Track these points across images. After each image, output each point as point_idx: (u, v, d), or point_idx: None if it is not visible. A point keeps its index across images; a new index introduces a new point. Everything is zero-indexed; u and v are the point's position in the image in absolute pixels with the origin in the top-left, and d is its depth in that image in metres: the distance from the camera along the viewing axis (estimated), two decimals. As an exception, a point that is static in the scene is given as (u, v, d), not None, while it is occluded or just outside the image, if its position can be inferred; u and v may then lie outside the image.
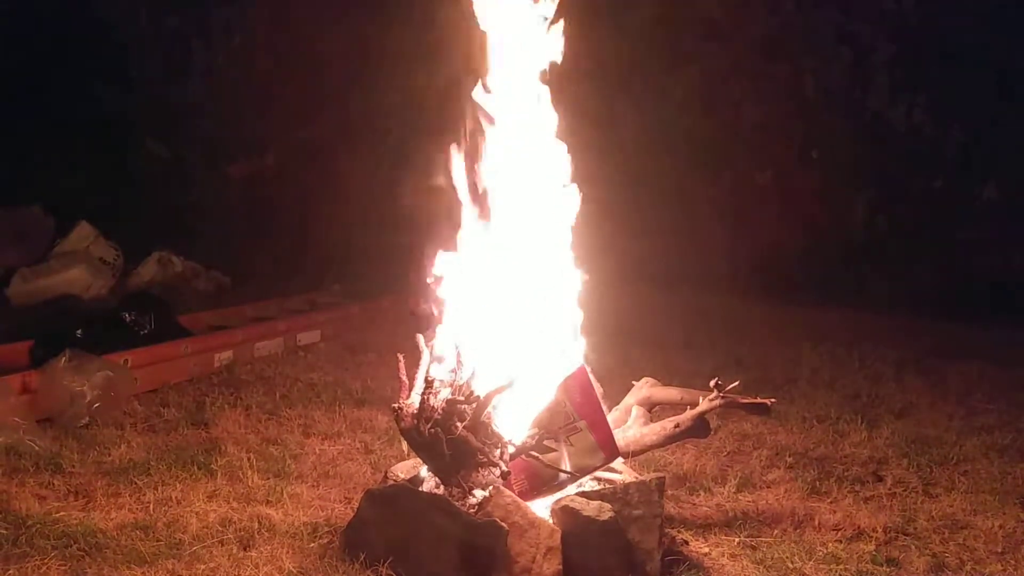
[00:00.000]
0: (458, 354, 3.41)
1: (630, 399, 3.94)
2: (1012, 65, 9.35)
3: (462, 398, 3.29)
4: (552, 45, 3.63)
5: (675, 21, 10.01)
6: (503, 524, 3.09)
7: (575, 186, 3.65)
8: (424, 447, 3.34)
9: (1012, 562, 3.57)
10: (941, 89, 9.74)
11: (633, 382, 4.02)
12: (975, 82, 9.53)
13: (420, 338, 3.47)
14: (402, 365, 3.47)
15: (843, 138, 10.04)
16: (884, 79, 10.04)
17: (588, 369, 3.51)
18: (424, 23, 8.30)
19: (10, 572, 3.06)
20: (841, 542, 3.66)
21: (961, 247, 9.70)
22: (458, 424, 3.27)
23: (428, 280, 3.55)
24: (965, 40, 9.42)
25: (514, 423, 3.38)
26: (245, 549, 3.34)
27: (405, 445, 3.61)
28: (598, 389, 3.56)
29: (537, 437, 3.36)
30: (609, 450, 3.43)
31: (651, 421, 3.82)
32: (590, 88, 9.08)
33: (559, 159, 3.65)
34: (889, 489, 4.28)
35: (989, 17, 9.30)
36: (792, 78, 10.18)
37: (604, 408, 3.54)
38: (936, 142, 9.97)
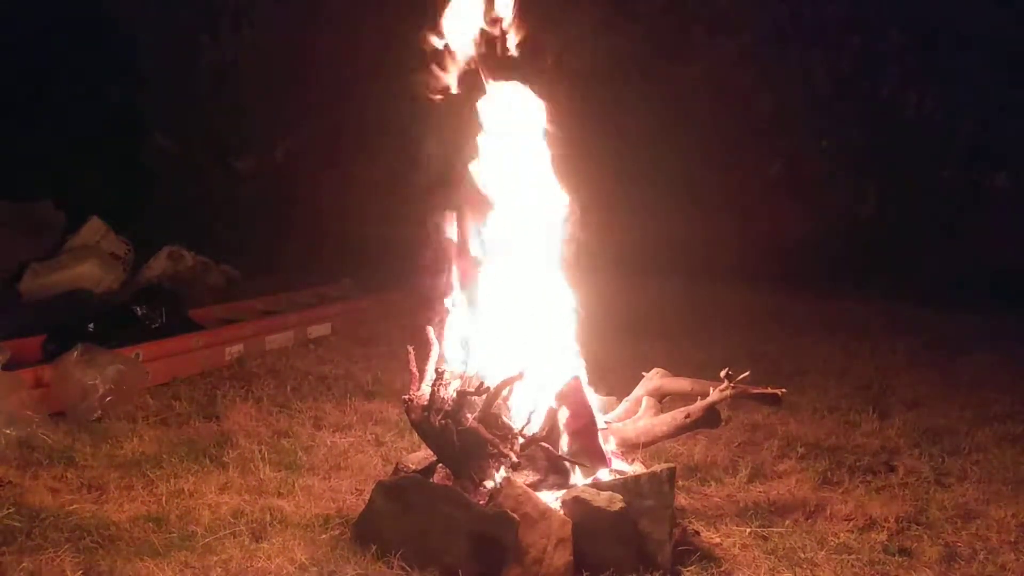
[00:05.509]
0: (468, 346, 3.42)
1: (640, 390, 3.93)
2: (1023, 54, 9.29)
3: (472, 389, 3.29)
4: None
5: (684, 11, 9.99)
6: (514, 515, 3.09)
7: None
8: (434, 438, 3.35)
9: (1025, 551, 3.56)
10: (951, 78, 9.68)
11: (643, 373, 4.01)
12: (986, 71, 9.48)
13: (430, 330, 3.48)
14: (412, 357, 3.47)
15: (853, 128, 10.01)
16: (894, 68, 9.99)
17: (582, 381, 3.52)
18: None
19: (24, 564, 3.08)
20: (853, 532, 3.66)
21: (972, 236, 9.66)
22: (468, 415, 3.28)
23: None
24: (975, 28, 9.36)
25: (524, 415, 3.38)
26: (257, 541, 3.36)
27: (416, 436, 3.62)
28: (595, 401, 3.59)
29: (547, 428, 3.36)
30: (595, 461, 3.45)
31: (662, 412, 3.82)
32: (599, 79, 9.07)
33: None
34: (901, 479, 4.27)
35: (1000, 5, 9.25)
36: (801, 68, 10.14)
37: (597, 420, 3.56)
38: (946, 131, 9.93)
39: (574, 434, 3.42)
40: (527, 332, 3.53)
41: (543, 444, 3.32)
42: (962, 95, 9.76)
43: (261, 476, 3.96)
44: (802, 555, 3.42)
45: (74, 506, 3.56)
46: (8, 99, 9.56)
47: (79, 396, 4.64)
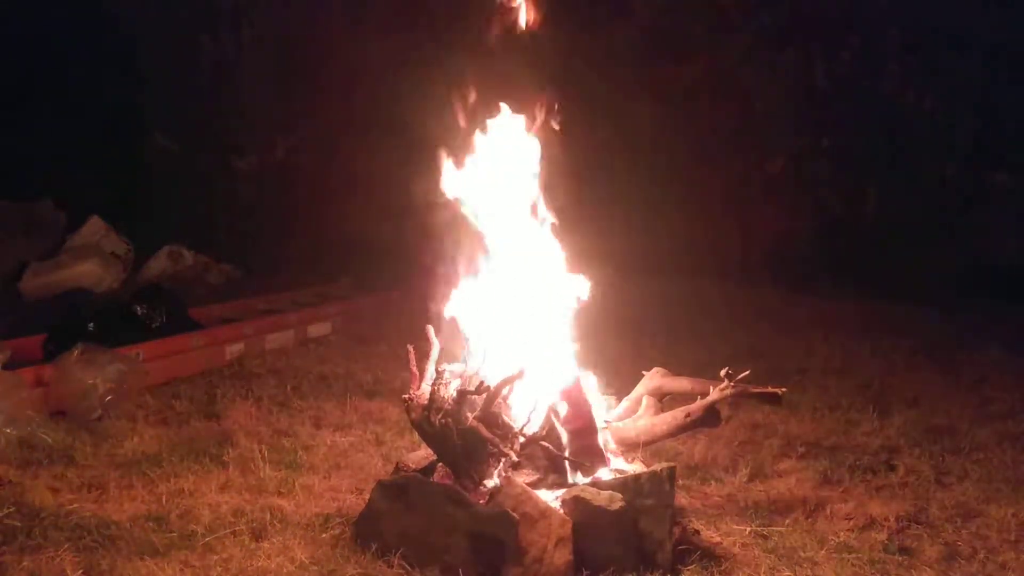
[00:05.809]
0: (468, 344, 3.42)
1: (641, 389, 3.93)
2: (1023, 54, 9.28)
3: (472, 388, 3.29)
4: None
5: (684, 10, 9.99)
6: (514, 514, 3.09)
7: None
8: (435, 438, 3.35)
9: (1025, 550, 3.56)
10: (952, 75, 9.68)
11: (644, 372, 4.01)
12: (986, 68, 9.47)
13: (430, 329, 3.48)
14: (412, 356, 3.47)
15: (853, 126, 10.00)
16: (894, 66, 9.98)
17: (582, 381, 3.52)
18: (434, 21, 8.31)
19: (24, 563, 3.08)
20: (853, 531, 3.66)
21: (973, 234, 9.65)
22: (468, 414, 3.28)
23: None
24: (976, 25, 9.36)
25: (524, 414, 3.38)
26: (257, 540, 3.36)
27: (416, 436, 3.62)
28: (596, 401, 3.59)
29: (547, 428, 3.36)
30: (595, 461, 3.44)
31: (662, 411, 3.82)
32: (600, 78, 9.07)
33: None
34: (901, 478, 4.27)
35: (1000, 5, 9.24)
36: (802, 66, 10.13)
37: (597, 419, 3.56)
38: (947, 129, 9.92)
39: (574, 433, 3.42)
40: (527, 331, 3.53)
41: (543, 443, 3.32)
42: (962, 95, 9.75)
43: (261, 475, 3.96)
44: (802, 554, 3.42)
45: (74, 505, 3.56)
46: (8, 99, 9.56)
47: (79, 396, 4.64)
